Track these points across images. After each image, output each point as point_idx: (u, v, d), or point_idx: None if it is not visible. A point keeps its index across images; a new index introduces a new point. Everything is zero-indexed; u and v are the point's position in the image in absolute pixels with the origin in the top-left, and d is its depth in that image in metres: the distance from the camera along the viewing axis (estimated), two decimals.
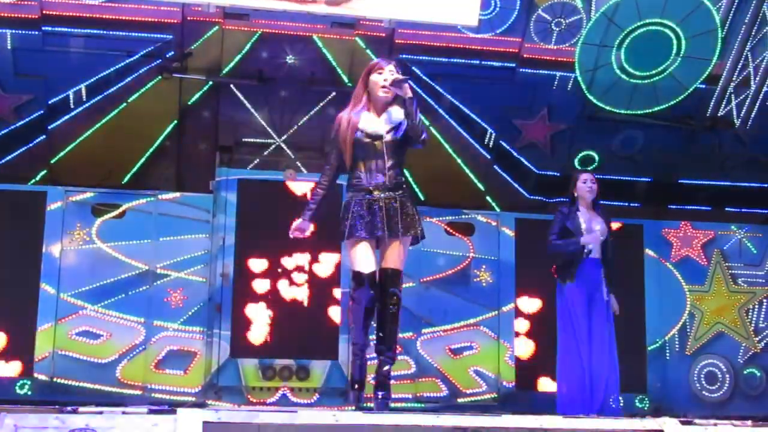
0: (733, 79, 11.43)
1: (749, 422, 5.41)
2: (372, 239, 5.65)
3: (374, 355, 5.77)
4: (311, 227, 5.83)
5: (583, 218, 7.76)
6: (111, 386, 10.11)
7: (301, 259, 10.53)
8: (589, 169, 8.83)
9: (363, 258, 5.61)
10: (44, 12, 10.28)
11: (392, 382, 5.84)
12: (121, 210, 10.47)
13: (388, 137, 5.64)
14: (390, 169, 5.64)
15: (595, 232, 7.65)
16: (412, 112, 5.59)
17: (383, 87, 5.65)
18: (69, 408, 4.54)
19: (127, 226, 10.46)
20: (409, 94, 5.60)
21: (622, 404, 7.68)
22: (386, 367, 5.70)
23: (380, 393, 5.71)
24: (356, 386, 5.74)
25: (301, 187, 10.54)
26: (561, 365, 7.79)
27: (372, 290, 5.62)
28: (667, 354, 11.37)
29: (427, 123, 11.30)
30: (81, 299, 10.23)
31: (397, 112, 5.71)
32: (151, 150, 10.99)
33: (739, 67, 11.36)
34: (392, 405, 6.02)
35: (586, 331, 7.60)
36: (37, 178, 10.68)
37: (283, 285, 10.53)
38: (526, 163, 11.62)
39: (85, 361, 10.13)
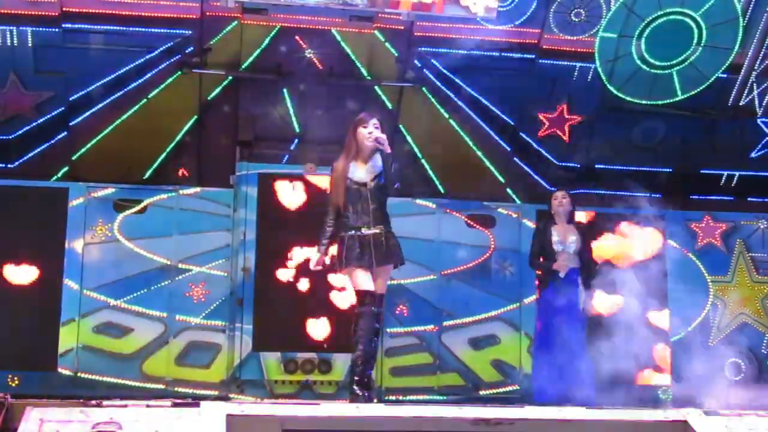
0: (755, 67, 11.34)
1: None
2: (362, 266, 6.54)
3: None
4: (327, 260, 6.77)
5: (557, 233, 8.64)
6: (134, 380, 10.17)
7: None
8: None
9: (364, 279, 6.52)
10: (64, 9, 10.32)
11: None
12: (142, 205, 10.52)
13: (371, 183, 6.60)
14: (374, 210, 6.57)
15: (563, 260, 8.47)
16: (389, 165, 6.59)
17: (368, 139, 6.60)
18: (93, 402, 4.57)
19: (149, 222, 10.51)
20: (388, 150, 6.55)
21: None
22: (369, 371, 6.55)
23: (365, 392, 6.41)
24: (362, 392, 6.41)
25: (322, 180, 10.55)
26: (535, 361, 8.74)
27: (374, 306, 6.54)
28: (691, 345, 11.30)
29: (447, 115, 11.39)
30: (104, 294, 10.29)
31: (380, 161, 6.65)
32: (171, 145, 11.02)
33: (761, 55, 11.27)
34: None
35: (560, 332, 8.35)
36: (59, 175, 10.73)
37: (303, 278, 10.54)
38: (546, 154, 11.58)
39: (109, 355, 10.20)
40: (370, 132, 6.58)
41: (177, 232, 10.50)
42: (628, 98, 11.22)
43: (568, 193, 8.88)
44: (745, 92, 11.49)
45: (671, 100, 11.24)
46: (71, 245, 10.33)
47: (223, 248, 10.57)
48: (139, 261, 10.40)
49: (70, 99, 10.69)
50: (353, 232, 6.51)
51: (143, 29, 10.62)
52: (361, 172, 6.60)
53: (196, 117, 11.11)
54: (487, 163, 11.49)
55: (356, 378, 6.43)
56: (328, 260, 6.78)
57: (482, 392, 10.71)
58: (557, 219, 8.73)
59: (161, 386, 10.15)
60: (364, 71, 11.16)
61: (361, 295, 6.53)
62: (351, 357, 6.60)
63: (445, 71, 11.26)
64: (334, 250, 6.67)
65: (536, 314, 8.91)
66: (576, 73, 11.35)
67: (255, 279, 10.47)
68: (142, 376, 10.21)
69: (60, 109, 10.68)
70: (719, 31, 10.84)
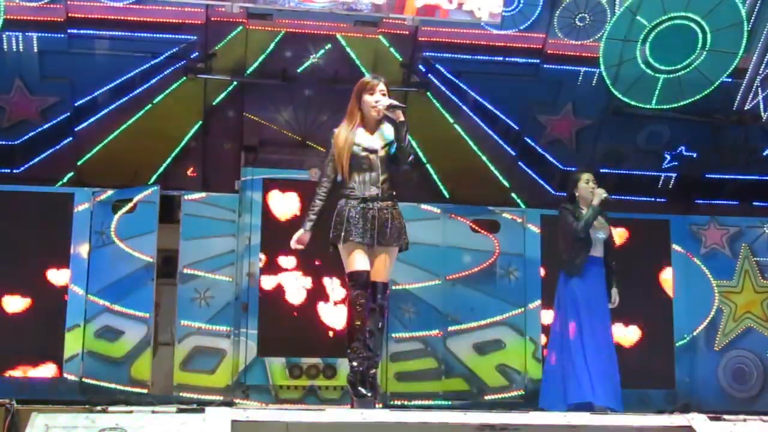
0: (760, 72, 11.34)
1: None
2: (364, 244, 5.96)
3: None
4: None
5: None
6: (138, 386, 10.15)
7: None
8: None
9: (360, 259, 5.93)
10: (69, 15, 10.35)
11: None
12: (133, 203, 10.45)
13: (382, 152, 6.02)
14: (383, 182, 6.00)
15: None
16: (402, 135, 5.96)
17: (374, 107, 6.03)
18: (99, 407, 4.57)
19: (141, 223, 10.46)
20: (401, 118, 5.95)
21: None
22: (373, 370, 5.99)
23: (369, 393, 5.93)
24: (361, 393, 5.93)
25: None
26: (549, 356, 8.13)
27: (369, 294, 5.95)
28: (696, 350, 11.30)
29: (451, 120, 11.41)
30: (108, 299, 10.28)
31: (388, 129, 6.08)
32: (176, 151, 11.04)
33: (766, 60, 11.26)
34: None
35: (585, 326, 7.84)
36: (65, 180, 10.75)
37: (309, 283, 10.55)
38: (551, 159, 11.58)
39: (108, 360, 10.18)
40: (377, 100, 6.03)
41: (182, 237, 10.50)
42: (633, 103, 11.22)
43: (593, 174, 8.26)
44: (750, 96, 11.49)
45: (676, 105, 11.24)
46: (76, 250, 10.33)
47: (228, 253, 10.57)
48: (143, 266, 10.40)
49: (76, 104, 10.72)
50: (357, 203, 5.95)
51: (148, 35, 10.66)
52: (370, 139, 6.04)
53: (201, 122, 11.14)
54: (492, 168, 11.49)
55: (351, 380, 5.96)
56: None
57: (487, 397, 10.70)
58: (583, 203, 8.05)
59: (165, 391, 10.13)
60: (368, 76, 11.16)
61: (353, 277, 5.95)
62: (349, 357, 6.01)
63: (449, 76, 11.28)
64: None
65: (555, 309, 8.15)
66: (580, 78, 11.36)
67: (260, 284, 10.48)
68: (144, 381, 10.18)
69: (65, 115, 10.70)
70: (724, 35, 10.84)
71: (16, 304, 10.16)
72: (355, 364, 5.95)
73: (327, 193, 6.08)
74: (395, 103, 6.03)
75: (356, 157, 5.99)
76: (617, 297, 8.06)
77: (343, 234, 5.92)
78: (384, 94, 6.06)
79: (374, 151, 6.01)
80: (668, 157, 11.66)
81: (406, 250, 6.18)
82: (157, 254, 10.33)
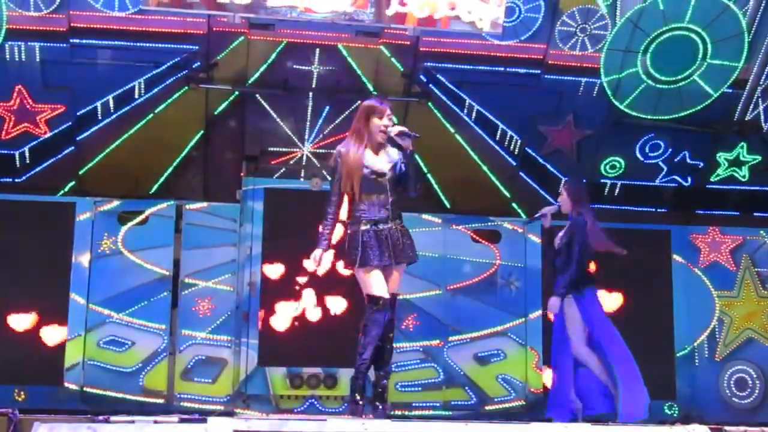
0: (761, 83, 11.35)
1: None
2: (381, 266, 6.06)
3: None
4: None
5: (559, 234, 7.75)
6: (140, 395, 10.16)
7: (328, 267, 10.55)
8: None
9: (380, 283, 6.02)
10: (72, 25, 10.37)
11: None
12: (144, 216, 10.49)
13: (390, 174, 6.09)
14: (392, 204, 6.09)
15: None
16: (412, 166, 6.08)
17: (383, 132, 6.08)
18: (101, 417, 4.58)
19: (154, 236, 10.51)
20: (411, 147, 6.06)
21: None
22: (384, 381, 6.13)
23: (380, 405, 6.03)
24: (359, 401, 6.03)
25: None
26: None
27: (387, 313, 6.06)
28: (696, 360, 11.29)
29: (452, 130, 11.43)
30: (109, 308, 10.30)
31: (393, 152, 6.16)
32: (178, 160, 11.05)
33: (767, 71, 11.28)
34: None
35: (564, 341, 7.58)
36: (66, 189, 10.77)
37: (309, 293, 10.56)
38: (552, 169, 11.58)
39: (114, 370, 10.19)
40: (386, 125, 6.08)
41: (183, 246, 10.51)
42: (634, 113, 11.23)
43: (567, 183, 8.06)
44: (751, 107, 11.50)
45: (677, 115, 11.25)
46: (78, 259, 10.35)
47: (229, 263, 10.58)
48: (144, 275, 10.41)
49: (78, 114, 10.73)
50: (369, 226, 6.02)
51: (150, 44, 10.68)
52: (379, 162, 6.09)
53: (202, 132, 11.16)
54: (493, 179, 11.50)
55: (357, 392, 6.02)
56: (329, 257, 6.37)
57: (488, 408, 10.70)
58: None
59: (166, 401, 10.14)
60: (370, 86, 11.19)
61: (374, 300, 6.01)
62: (356, 365, 6.09)
63: (450, 86, 11.29)
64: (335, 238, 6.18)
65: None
66: (581, 88, 11.37)
67: (260, 293, 10.48)
68: (146, 390, 10.19)
69: (67, 124, 10.71)
70: (724, 46, 10.86)
71: (17, 310, 10.16)
72: (362, 371, 6.07)
73: (336, 211, 6.12)
74: (407, 131, 6.08)
75: (366, 179, 6.05)
76: (554, 303, 7.32)
77: (359, 259, 6.00)
78: (391, 119, 6.13)
79: (383, 174, 6.07)
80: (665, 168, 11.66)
81: (416, 261, 6.28)
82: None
